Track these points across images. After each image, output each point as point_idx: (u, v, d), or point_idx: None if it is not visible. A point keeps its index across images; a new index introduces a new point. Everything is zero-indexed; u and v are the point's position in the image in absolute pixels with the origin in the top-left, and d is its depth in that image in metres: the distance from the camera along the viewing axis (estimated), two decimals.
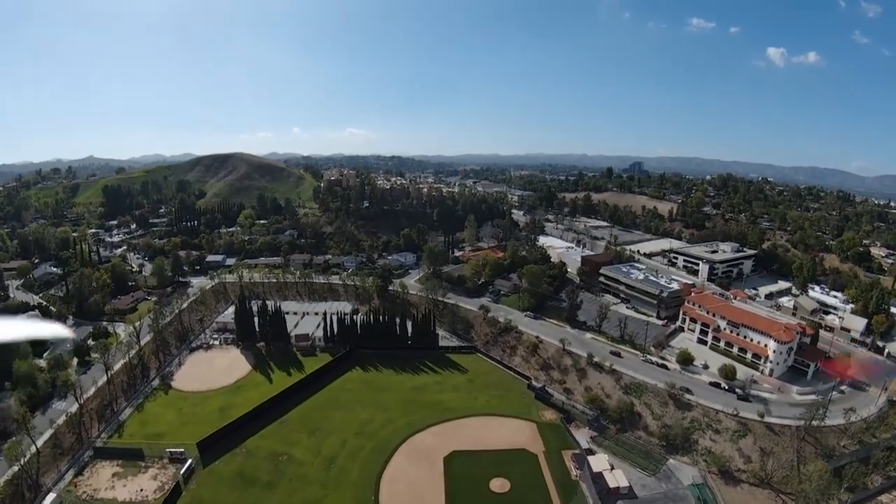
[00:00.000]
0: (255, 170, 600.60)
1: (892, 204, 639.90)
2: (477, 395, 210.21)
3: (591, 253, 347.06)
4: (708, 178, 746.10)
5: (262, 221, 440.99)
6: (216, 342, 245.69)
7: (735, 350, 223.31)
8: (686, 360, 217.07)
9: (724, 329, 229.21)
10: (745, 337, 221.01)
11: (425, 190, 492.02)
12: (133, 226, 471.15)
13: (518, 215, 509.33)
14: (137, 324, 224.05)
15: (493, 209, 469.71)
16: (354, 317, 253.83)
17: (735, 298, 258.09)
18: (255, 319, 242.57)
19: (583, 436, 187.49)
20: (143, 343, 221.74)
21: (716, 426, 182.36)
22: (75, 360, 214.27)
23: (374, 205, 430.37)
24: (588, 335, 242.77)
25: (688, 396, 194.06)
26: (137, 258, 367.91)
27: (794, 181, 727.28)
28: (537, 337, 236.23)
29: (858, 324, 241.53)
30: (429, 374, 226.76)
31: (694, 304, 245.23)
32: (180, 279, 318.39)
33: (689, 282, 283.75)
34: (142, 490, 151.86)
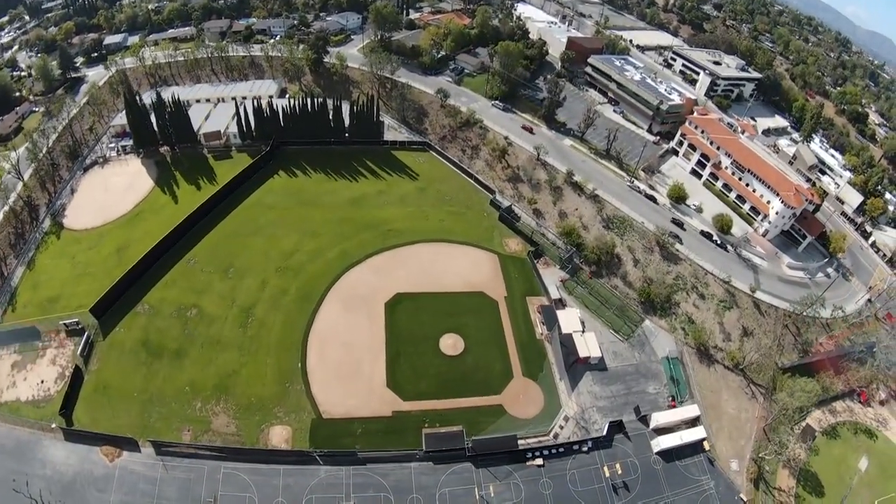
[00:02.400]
0: None
1: (888, 68, 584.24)
2: (429, 210, 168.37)
3: (579, 35, 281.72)
4: None
5: None
6: (113, 153, 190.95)
7: (732, 196, 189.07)
8: (679, 197, 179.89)
9: (726, 168, 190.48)
10: (747, 185, 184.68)
11: None
12: (27, 17, 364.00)
13: None
14: (14, 154, 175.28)
15: None
16: (279, 101, 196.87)
17: (743, 133, 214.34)
18: (152, 117, 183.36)
19: (552, 277, 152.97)
20: (27, 175, 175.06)
21: (702, 289, 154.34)
22: None
23: None
24: (567, 141, 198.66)
25: (677, 246, 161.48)
26: (30, 57, 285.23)
27: (788, 2, 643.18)
28: (506, 138, 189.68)
29: (854, 199, 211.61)
30: (370, 178, 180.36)
31: (696, 128, 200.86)
32: (72, 75, 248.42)
33: (690, 94, 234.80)
34: (42, 382, 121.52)
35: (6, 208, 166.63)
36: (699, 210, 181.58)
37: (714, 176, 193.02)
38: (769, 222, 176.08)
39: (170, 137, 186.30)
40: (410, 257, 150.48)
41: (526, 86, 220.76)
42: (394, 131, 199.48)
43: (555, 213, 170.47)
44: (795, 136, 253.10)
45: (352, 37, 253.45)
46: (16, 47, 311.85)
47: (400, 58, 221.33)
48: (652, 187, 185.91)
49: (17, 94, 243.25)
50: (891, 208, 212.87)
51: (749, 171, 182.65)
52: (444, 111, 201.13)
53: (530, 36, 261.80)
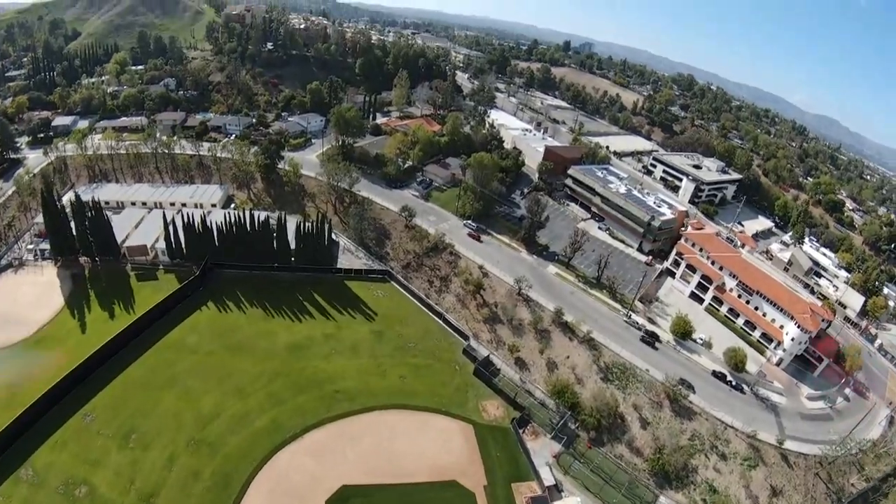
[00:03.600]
0: (143, 2, 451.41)
1: (843, 150, 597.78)
2: (387, 363, 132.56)
3: (556, 144, 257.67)
4: (666, 74, 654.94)
5: (137, 68, 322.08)
6: (31, 256, 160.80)
7: (740, 322, 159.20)
8: (685, 332, 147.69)
9: (732, 291, 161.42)
10: (757, 308, 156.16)
11: (349, 34, 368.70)
12: None
13: (463, 79, 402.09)
14: None
15: (433, 67, 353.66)
16: (216, 215, 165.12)
17: (743, 247, 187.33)
18: (72, 223, 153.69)
19: (543, 451, 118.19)
20: None
21: (722, 448, 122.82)
22: None
23: (281, 49, 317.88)
24: (552, 268, 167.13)
25: (691, 398, 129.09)
26: None
27: (738, 97, 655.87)
28: (481, 267, 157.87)
29: (856, 301, 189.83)
30: (317, 317, 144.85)
31: (694, 245, 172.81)
32: (11, 156, 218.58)
33: (679, 206, 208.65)
34: None
35: None
36: (708, 346, 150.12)
37: (718, 300, 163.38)
38: (784, 350, 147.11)
39: (90, 246, 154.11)
40: (362, 432, 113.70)
41: (502, 202, 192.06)
42: (350, 255, 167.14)
43: (542, 363, 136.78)
44: (786, 238, 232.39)
45: (312, 140, 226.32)
46: None
47: (362, 167, 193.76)
48: (651, 320, 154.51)
49: None
50: (891, 304, 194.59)
51: (759, 292, 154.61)
52: (410, 233, 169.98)
53: (504, 145, 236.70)
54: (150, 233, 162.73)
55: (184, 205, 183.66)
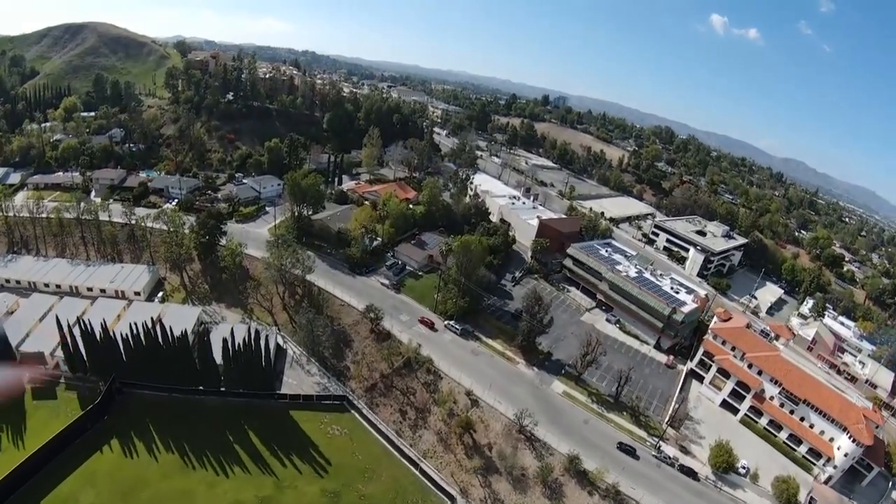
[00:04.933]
0: (106, 43, 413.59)
1: (821, 195, 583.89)
2: None
3: (551, 216, 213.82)
4: (643, 126, 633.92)
5: (88, 114, 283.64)
6: None
7: (783, 436, 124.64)
8: (728, 464, 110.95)
9: (773, 400, 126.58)
10: (803, 419, 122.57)
11: (318, 85, 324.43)
12: None
13: (441, 137, 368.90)
14: None
15: (408, 124, 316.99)
16: (129, 316, 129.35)
17: (777, 339, 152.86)
18: None
19: None
20: None
21: None
22: None
23: (241, 100, 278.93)
24: (558, 384, 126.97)
25: None
26: None
27: (712, 146, 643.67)
28: (470, 393, 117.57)
29: (886, 379, 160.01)
30: (250, 469, 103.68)
31: (725, 344, 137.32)
32: None
33: (700, 289, 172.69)
34: None
35: None
36: (754, 477, 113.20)
37: (756, 409, 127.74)
38: (834, 467, 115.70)
39: None
40: None
41: (490, 292, 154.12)
42: (299, 371, 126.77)
43: None
44: (804, 309, 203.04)
45: (267, 209, 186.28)
46: None
47: (321, 246, 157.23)
48: (685, 449, 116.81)
49: None
50: None
51: (806, 401, 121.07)
52: (376, 342, 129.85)
53: (491, 216, 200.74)
54: (50, 336, 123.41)
55: (102, 291, 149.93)
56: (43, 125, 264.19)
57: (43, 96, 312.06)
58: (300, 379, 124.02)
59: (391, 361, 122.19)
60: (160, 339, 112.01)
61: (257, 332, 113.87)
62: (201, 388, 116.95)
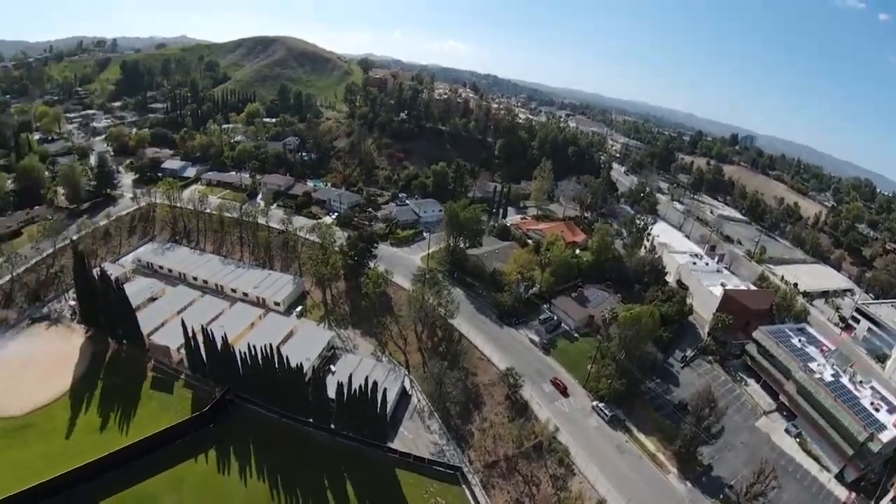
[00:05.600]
0: (294, 56, 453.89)
1: None
2: None
3: (739, 286, 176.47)
4: (842, 178, 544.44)
5: (269, 120, 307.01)
6: (67, 314, 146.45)
7: None
8: None
9: None
10: None
11: (493, 110, 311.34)
12: (129, 111, 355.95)
13: (618, 173, 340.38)
14: None
15: (585, 157, 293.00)
16: (256, 331, 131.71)
17: None
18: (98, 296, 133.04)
19: None
20: None
21: None
22: None
23: (414, 120, 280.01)
24: None
25: None
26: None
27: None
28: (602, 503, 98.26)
29: None
30: None
31: None
32: (107, 192, 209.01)
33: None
34: None
35: None
36: None
37: None
38: None
39: (114, 326, 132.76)
40: None
41: (653, 373, 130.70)
42: (417, 423, 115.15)
43: None
44: None
45: (425, 234, 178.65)
46: (104, 136, 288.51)
47: (472, 285, 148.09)
48: None
49: (44, 191, 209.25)
50: None
51: None
52: (510, 411, 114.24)
53: (667, 276, 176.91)
54: (177, 332, 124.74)
55: (245, 295, 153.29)
56: (224, 126, 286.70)
57: (229, 100, 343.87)
58: (417, 433, 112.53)
59: (521, 438, 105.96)
60: (276, 365, 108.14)
61: (375, 383, 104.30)
62: (311, 420, 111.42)
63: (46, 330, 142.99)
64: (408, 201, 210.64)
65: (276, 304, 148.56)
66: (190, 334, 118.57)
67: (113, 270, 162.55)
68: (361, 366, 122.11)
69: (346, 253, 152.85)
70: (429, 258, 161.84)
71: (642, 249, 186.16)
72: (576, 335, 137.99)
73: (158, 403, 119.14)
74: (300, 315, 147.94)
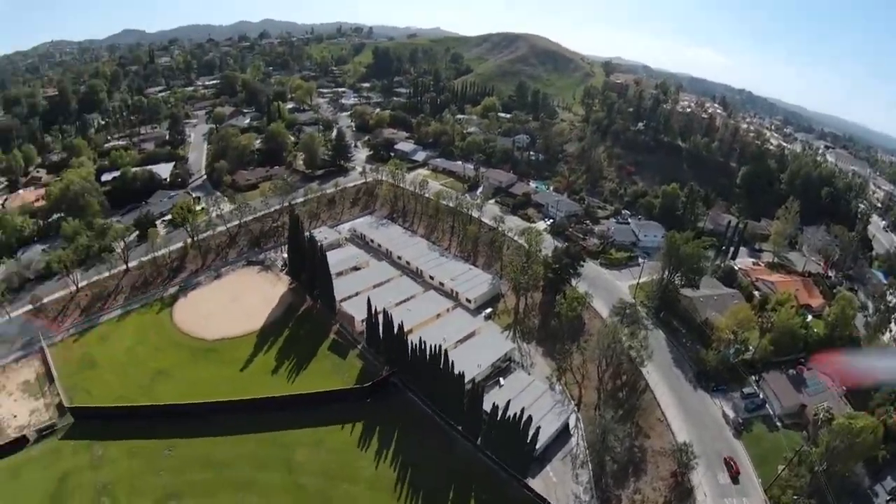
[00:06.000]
0: (535, 54, 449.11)
1: None
2: None
3: None
4: None
5: (504, 115, 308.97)
6: (279, 264, 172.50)
7: None
8: None
9: None
10: None
11: (742, 131, 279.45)
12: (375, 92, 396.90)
13: (876, 227, 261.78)
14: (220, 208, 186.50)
15: (840, 202, 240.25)
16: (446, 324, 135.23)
17: None
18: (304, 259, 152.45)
19: None
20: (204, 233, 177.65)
21: None
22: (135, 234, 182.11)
23: (651, 132, 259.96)
24: None
25: None
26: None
27: None
28: None
29: None
30: None
31: None
32: (341, 163, 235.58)
33: None
34: None
35: (165, 251, 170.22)
36: None
37: None
38: None
39: (314, 287, 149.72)
40: None
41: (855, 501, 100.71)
42: (568, 469, 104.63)
43: None
44: None
45: (640, 260, 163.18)
46: (348, 113, 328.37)
47: (677, 331, 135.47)
48: None
49: (286, 154, 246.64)
50: None
51: None
52: (670, 490, 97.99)
53: None
54: (362, 306, 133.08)
55: (441, 284, 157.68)
56: (458, 116, 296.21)
57: (468, 92, 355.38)
58: (563, 479, 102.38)
59: None
60: (440, 368, 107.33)
61: (530, 417, 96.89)
62: (460, 427, 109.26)
63: (258, 273, 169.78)
64: (630, 220, 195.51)
65: (468, 300, 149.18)
66: (374, 311, 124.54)
67: (328, 235, 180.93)
68: (530, 388, 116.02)
69: (549, 265, 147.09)
70: (637, 289, 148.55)
71: (885, 333, 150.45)
72: (778, 423, 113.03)
73: (330, 365, 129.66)
74: (488, 317, 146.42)
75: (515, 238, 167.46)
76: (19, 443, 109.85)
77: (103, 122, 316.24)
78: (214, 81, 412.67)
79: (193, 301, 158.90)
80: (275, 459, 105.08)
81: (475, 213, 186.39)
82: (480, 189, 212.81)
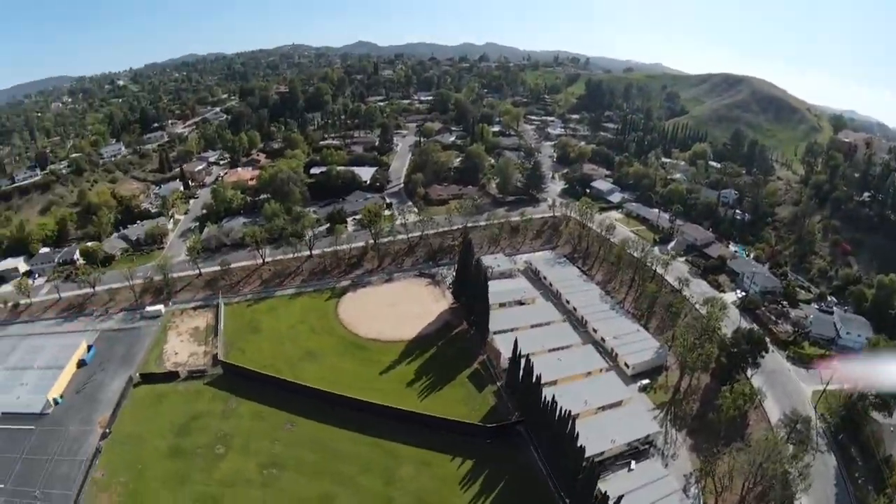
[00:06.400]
0: (758, 100, 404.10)
1: None
2: None
3: None
4: None
5: (714, 164, 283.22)
6: (447, 281, 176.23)
7: None
8: None
9: None
10: None
11: None
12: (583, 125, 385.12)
13: None
14: (391, 222, 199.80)
15: None
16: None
17: None
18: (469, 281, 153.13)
19: None
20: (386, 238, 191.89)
21: None
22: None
23: (878, 206, 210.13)
24: None
25: None
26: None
27: None
28: None
29: None
30: None
31: None
32: (533, 193, 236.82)
33: None
34: None
35: (347, 246, 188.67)
36: None
37: None
38: None
39: (470, 312, 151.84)
40: None
41: None
42: None
43: None
44: None
45: (836, 362, 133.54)
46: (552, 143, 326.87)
47: (853, 462, 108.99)
48: None
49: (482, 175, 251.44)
50: None
51: None
52: None
53: None
54: (529, 347, 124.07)
55: (602, 340, 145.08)
56: (663, 160, 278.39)
57: (678, 135, 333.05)
58: None
59: None
60: (565, 432, 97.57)
61: None
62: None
63: (425, 286, 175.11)
64: (834, 309, 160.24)
65: (627, 365, 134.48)
66: (518, 353, 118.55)
67: (503, 264, 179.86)
68: (660, 484, 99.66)
69: (726, 346, 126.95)
70: (821, 398, 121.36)
71: None
72: None
73: (464, 394, 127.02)
74: (643, 389, 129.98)
75: (697, 307, 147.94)
76: (171, 376, 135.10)
77: (322, 122, 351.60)
78: (429, 97, 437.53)
79: (360, 297, 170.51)
80: (379, 467, 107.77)
81: (659, 270, 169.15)
82: (672, 244, 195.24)
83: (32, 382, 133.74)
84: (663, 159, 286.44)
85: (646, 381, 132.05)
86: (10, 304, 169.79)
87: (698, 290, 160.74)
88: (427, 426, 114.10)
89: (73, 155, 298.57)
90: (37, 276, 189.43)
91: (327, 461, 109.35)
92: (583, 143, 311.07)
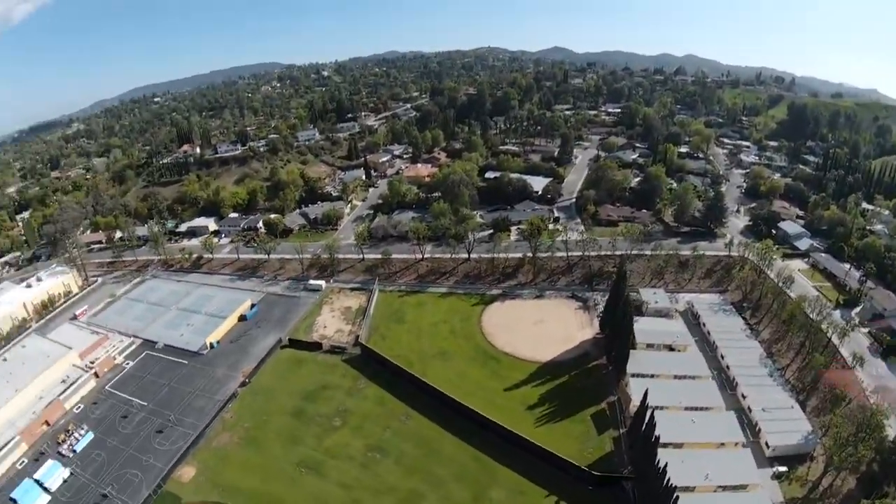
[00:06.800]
0: None
1: None
2: None
3: None
4: None
5: None
6: (598, 310, 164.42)
7: None
8: None
9: None
10: None
11: None
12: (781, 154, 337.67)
13: None
14: (553, 238, 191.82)
15: None
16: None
17: None
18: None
19: None
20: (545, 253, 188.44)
21: None
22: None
23: None
24: None
25: None
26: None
27: None
28: None
29: None
30: None
31: None
32: (711, 226, 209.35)
33: None
34: None
35: (504, 255, 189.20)
36: None
37: None
38: None
39: (611, 347, 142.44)
40: None
41: None
42: None
43: None
44: None
45: None
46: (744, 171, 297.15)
47: None
48: None
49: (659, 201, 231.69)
50: None
51: None
52: None
53: None
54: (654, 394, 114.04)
55: (748, 410, 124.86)
56: (864, 206, 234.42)
57: (884, 178, 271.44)
58: None
59: None
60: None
61: None
62: None
63: (575, 309, 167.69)
64: None
65: (767, 445, 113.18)
66: (645, 406, 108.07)
67: (661, 300, 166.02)
68: None
69: (884, 451, 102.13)
70: None
71: None
72: None
73: (581, 432, 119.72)
74: (777, 476, 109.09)
75: (868, 394, 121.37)
76: (315, 346, 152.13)
77: (505, 127, 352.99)
78: (617, 110, 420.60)
79: (507, 309, 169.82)
80: (474, 482, 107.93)
81: (835, 340, 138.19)
82: (857, 309, 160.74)
83: (197, 325, 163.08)
84: (864, 205, 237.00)
85: (783, 469, 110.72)
86: (194, 256, 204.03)
87: (876, 371, 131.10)
88: (532, 453, 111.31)
89: (272, 136, 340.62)
90: (223, 236, 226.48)
91: (427, 460, 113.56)
92: (777, 175, 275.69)
